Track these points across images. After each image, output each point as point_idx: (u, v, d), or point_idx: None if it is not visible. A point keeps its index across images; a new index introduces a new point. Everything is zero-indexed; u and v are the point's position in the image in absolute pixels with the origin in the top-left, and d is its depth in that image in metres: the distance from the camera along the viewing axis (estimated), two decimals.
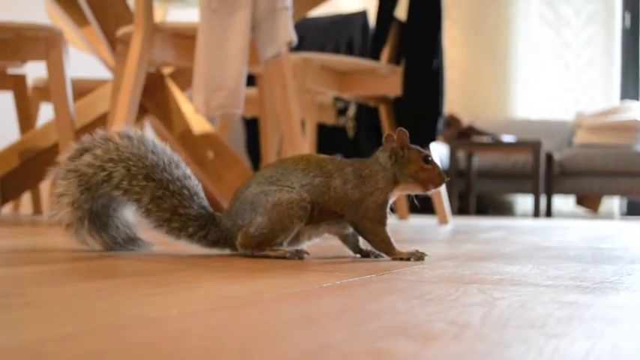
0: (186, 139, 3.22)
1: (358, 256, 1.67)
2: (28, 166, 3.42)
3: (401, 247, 1.64)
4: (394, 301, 0.97)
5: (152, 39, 2.81)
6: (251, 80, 3.64)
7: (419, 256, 1.60)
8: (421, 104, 3.88)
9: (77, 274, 1.23)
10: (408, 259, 1.59)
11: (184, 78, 3.37)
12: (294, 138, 2.84)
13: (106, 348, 0.63)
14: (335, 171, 1.59)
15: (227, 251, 1.63)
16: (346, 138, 4.79)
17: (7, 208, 4.07)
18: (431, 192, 1.64)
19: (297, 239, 1.60)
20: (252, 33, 2.75)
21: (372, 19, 4.80)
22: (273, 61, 2.83)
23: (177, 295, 0.99)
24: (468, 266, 1.50)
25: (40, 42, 3.13)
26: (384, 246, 1.61)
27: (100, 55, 3.62)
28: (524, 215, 7.21)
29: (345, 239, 1.67)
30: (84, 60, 4.41)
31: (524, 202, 7.63)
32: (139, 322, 0.77)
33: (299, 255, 1.56)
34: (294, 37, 2.78)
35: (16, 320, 0.78)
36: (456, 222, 4.43)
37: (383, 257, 1.64)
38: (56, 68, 3.11)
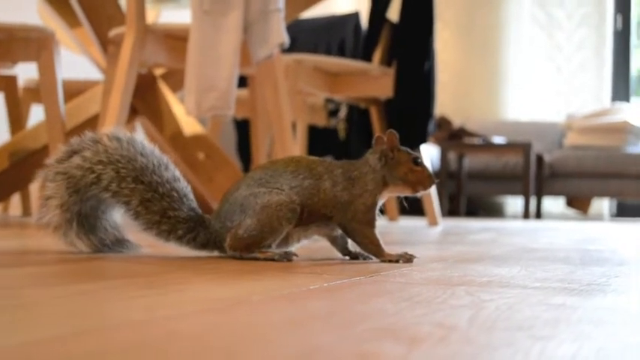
0: (177, 141, 3.22)
1: (347, 258, 1.68)
2: (17, 168, 3.41)
3: (390, 249, 1.64)
4: (382, 304, 0.97)
5: (144, 40, 2.81)
6: (242, 81, 3.64)
7: (408, 258, 1.60)
8: (412, 106, 3.88)
9: (66, 276, 1.23)
10: (397, 261, 1.60)
11: (176, 79, 3.37)
12: (285, 139, 2.84)
13: (94, 350, 0.64)
14: (324, 173, 1.59)
15: (216, 253, 1.63)
16: (337, 139, 4.79)
17: None
18: (420, 194, 1.64)
19: (286, 241, 1.60)
20: (244, 34, 2.75)
21: (364, 20, 4.80)
22: (265, 62, 2.83)
23: (166, 297, 1.00)
24: (456, 268, 1.50)
25: (31, 43, 3.12)
26: (372, 248, 1.61)
27: (92, 57, 3.61)
28: (515, 217, 7.22)
29: (333, 241, 1.68)
30: (75, 61, 4.41)
31: (514, 203, 7.64)
32: (127, 324, 0.77)
33: (288, 257, 1.56)
34: (286, 39, 2.78)
35: (4, 322, 0.78)
36: (446, 223, 4.43)
37: (372, 259, 1.64)
38: (47, 69, 3.10)
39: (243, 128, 4.74)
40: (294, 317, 0.84)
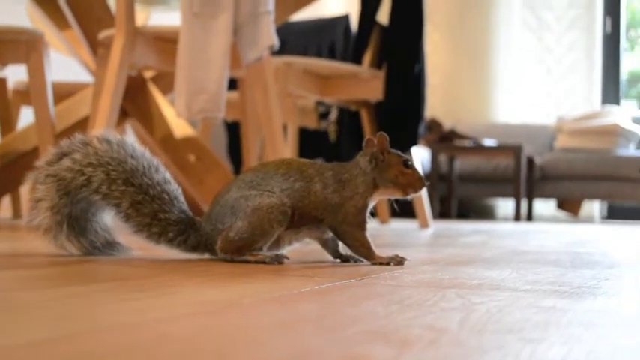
0: (168, 143, 3.21)
1: (338, 260, 1.68)
2: (7, 170, 3.40)
3: (381, 251, 1.64)
4: (373, 306, 0.97)
5: (133, 42, 2.80)
6: (233, 84, 3.64)
7: (399, 261, 1.61)
8: (403, 108, 3.89)
9: (56, 279, 1.23)
10: (388, 264, 1.60)
11: (166, 81, 3.37)
12: (275, 142, 2.84)
13: (85, 352, 0.63)
14: (315, 175, 1.59)
15: (207, 256, 1.63)
16: (328, 142, 4.79)
17: None
18: (411, 197, 1.64)
19: (277, 244, 1.60)
20: (233, 37, 2.75)
21: (354, 23, 4.81)
22: (255, 64, 2.83)
23: (157, 299, 0.99)
24: (447, 271, 1.50)
25: (20, 45, 3.11)
26: (363, 250, 1.61)
27: (82, 59, 3.61)
28: (506, 219, 7.23)
29: (324, 244, 1.68)
30: (65, 63, 4.40)
31: (505, 206, 7.65)
32: (118, 326, 0.77)
33: (279, 260, 1.56)
34: (275, 41, 2.78)
35: None
36: (437, 226, 4.44)
37: (363, 262, 1.64)
38: (37, 71, 3.09)
39: (233, 131, 4.74)
40: (285, 320, 0.84)
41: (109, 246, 1.68)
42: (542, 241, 2.88)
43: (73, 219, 1.60)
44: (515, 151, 6.56)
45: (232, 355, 0.65)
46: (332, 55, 4.96)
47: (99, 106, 2.76)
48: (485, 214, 7.68)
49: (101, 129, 2.65)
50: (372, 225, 1.61)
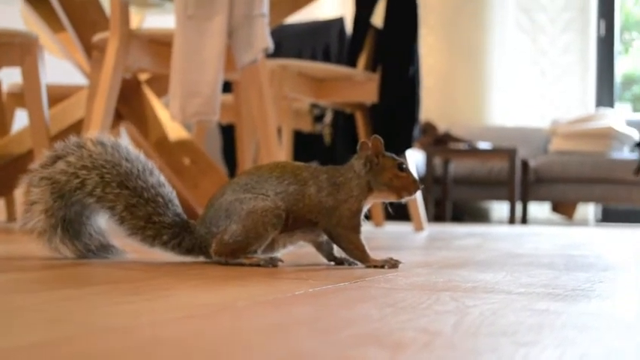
0: (163, 146, 3.21)
1: (332, 263, 1.68)
2: (2, 173, 3.40)
3: (375, 254, 1.64)
4: (367, 309, 0.97)
5: (128, 45, 2.80)
6: (227, 87, 3.64)
7: (393, 264, 1.61)
8: (397, 111, 3.89)
9: (50, 282, 1.23)
10: (382, 267, 1.60)
11: (160, 84, 3.37)
12: (270, 145, 2.84)
13: (79, 355, 0.63)
14: (309, 178, 1.59)
15: (201, 259, 1.63)
16: (323, 145, 4.79)
17: None
18: (405, 200, 1.64)
19: (271, 247, 1.60)
20: (228, 39, 2.75)
21: (348, 26, 4.81)
22: (250, 67, 2.83)
23: (150, 303, 0.99)
24: (441, 274, 1.50)
25: (15, 48, 3.11)
26: (358, 253, 1.61)
27: (76, 61, 3.60)
28: (500, 222, 7.24)
29: (319, 247, 1.68)
30: (59, 66, 4.39)
31: (500, 208, 7.66)
32: (112, 329, 0.77)
33: (273, 263, 1.56)
34: (270, 44, 2.78)
35: None
36: (432, 229, 4.44)
37: (357, 265, 1.64)
38: (31, 74, 3.09)
39: (228, 133, 4.74)
40: (279, 323, 0.84)
41: (104, 249, 1.68)
42: (537, 244, 2.89)
43: (67, 222, 1.60)
44: (509, 153, 6.57)
45: (226, 358, 0.65)
46: (327, 57, 4.96)
47: (93, 109, 2.76)
48: (480, 216, 7.68)
49: (95, 132, 2.65)
50: (366, 228, 1.61)
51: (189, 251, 1.61)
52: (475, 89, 7.96)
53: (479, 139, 7.29)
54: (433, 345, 0.73)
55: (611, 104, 7.75)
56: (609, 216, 7.56)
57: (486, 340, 0.77)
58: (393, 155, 1.63)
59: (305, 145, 4.76)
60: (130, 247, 1.69)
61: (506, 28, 7.91)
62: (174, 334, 0.76)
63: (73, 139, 1.61)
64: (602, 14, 7.82)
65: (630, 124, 7.17)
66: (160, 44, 2.93)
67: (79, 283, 1.24)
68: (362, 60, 4.05)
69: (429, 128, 7.08)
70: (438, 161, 6.96)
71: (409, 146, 3.93)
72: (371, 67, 3.98)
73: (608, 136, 6.92)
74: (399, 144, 3.88)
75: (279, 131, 4.07)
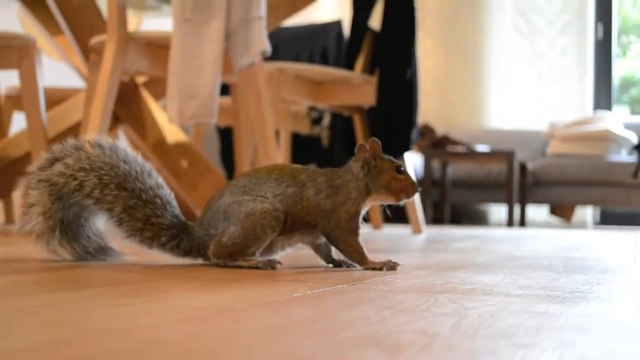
0: (160, 149, 3.21)
1: (331, 265, 1.67)
2: (0, 176, 3.39)
3: (374, 256, 1.64)
4: (365, 311, 0.97)
5: (125, 48, 2.80)
6: (225, 89, 3.64)
7: (391, 266, 1.60)
8: (395, 114, 3.88)
9: (48, 284, 1.23)
10: (380, 269, 1.60)
11: (158, 87, 3.36)
12: (268, 147, 2.84)
13: (76, 358, 0.63)
14: (308, 181, 1.59)
15: (199, 261, 1.63)
16: (321, 147, 4.79)
17: None
18: (403, 202, 1.64)
19: (270, 249, 1.60)
20: (226, 42, 2.75)
21: (346, 29, 4.81)
22: (247, 70, 2.83)
23: (149, 305, 0.99)
24: (440, 276, 1.50)
25: (12, 51, 3.11)
26: (356, 256, 1.61)
27: (74, 64, 3.60)
28: (498, 225, 7.23)
29: (317, 249, 1.68)
30: (57, 69, 4.39)
31: (498, 211, 7.65)
32: (110, 331, 0.77)
33: (271, 265, 1.56)
34: (268, 47, 2.78)
35: None
36: (430, 231, 4.44)
37: (355, 267, 1.64)
38: (29, 77, 3.09)
39: (226, 136, 4.74)
40: (278, 325, 0.84)
41: (102, 251, 1.67)
42: (535, 247, 2.89)
43: (65, 224, 1.60)
44: (507, 156, 6.57)
45: None
46: (324, 60, 4.96)
47: (91, 112, 2.76)
48: (478, 219, 7.68)
49: (93, 134, 2.65)
50: (365, 230, 1.62)
51: (187, 253, 1.61)
52: (473, 92, 7.96)
53: (477, 141, 7.29)
54: (431, 347, 0.73)
55: (608, 107, 7.75)
56: (607, 219, 7.56)
57: (485, 342, 0.77)
58: (391, 158, 1.63)
59: (303, 148, 4.77)
60: (128, 249, 1.68)
61: (504, 31, 7.91)
62: (173, 336, 0.76)
63: (70, 141, 1.61)
64: (599, 17, 7.82)
65: (628, 126, 7.17)
66: (157, 47, 2.92)
67: (77, 286, 1.24)
68: (359, 63, 4.05)
69: (427, 131, 7.08)
70: (436, 164, 6.96)
71: (407, 149, 3.93)
72: (369, 69, 3.98)
73: (606, 138, 6.92)
74: (397, 147, 3.88)
75: (277, 134, 4.07)
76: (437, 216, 6.98)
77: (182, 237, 1.60)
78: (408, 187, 1.61)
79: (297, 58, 4.87)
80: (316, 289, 1.21)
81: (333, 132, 4.68)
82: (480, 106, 7.95)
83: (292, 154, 4.46)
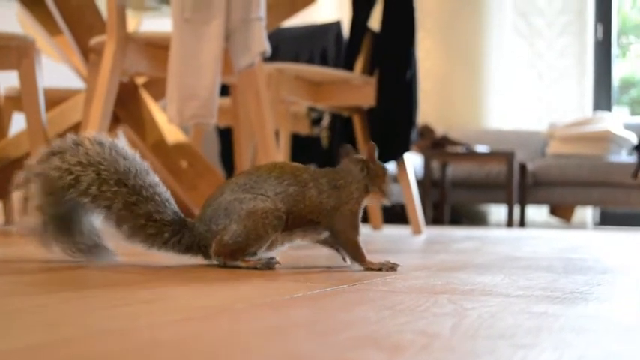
0: (160, 149, 3.21)
1: (336, 252, 1.70)
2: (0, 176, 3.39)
3: (374, 257, 1.64)
4: (365, 312, 0.97)
5: (125, 49, 2.80)
6: (225, 90, 3.64)
7: (390, 267, 1.61)
8: (395, 115, 3.89)
9: (48, 285, 1.23)
10: (380, 270, 1.60)
11: (158, 88, 3.37)
12: (268, 148, 2.84)
13: (75, 359, 0.63)
14: (310, 180, 1.61)
15: (199, 258, 1.62)
16: (320, 148, 4.79)
17: None
18: (385, 203, 1.71)
19: (271, 245, 1.61)
20: (225, 43, 2.75)
21: (345, 29, 4.81)
22: (247, 71, 2.83)
23: (148, 305, 0.99)
24: (439, 276, 1.50)
25: (12, 51, 3.11)
26: (356, 254, 1.63)
27: (73, 65, 3.60)
28: (498, 225, 7.24)
29: (323, 242, 1.70)
30: (57, 69, 4.39)
31: (497, 212, 7.66)
32: (109, 332, 0.77)
33: (270, 266, 1.56)
34: (267, 47, 2.78)
35: None
36: (430, 232, 4.44)
37: (353, 267, 1.65)
38: (28, 78, 3.09)
39: (226, 137, 4.74)
40: (278, 325, 0.84)
41: (96, 249, 1.65)
42: (535, 247, 2.89)
43: (59, 219, 1.58)
44: (507, 157, 6.57)
45: None
46: (324, 61, 4.96)
47: (91, 112, 2.76)
48: (478, 220, 7.68)
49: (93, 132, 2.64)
50: (364, 231, 1.62)
51: (188, 249, 1.60)
52: (472, 93, 7.96)
53: (476, 142, 7.30)
54: (431, 347, 0.73)
55: (608, 108, 7.75)
56: (607, 219, 7.57)
57: (484, 343, 0.77)
58: (380, 162, 1.70)
59: (302, 149, 4.77)
60: (126, 250, 1.68)
61: (504, 32, 7.91)
62: (173, 336, 0.76)
63: (70, 137, 1.59)
64: (599, 18, 7.83)
65: (628, 127, 7.18)
66: (157, 47, 2.92)
67: (76, 286, 1.23)
68: (359, 63, 4.05)
69: (427, 132, 7.08)
70: (435, 165, 6.96)
71: (407, 150, 3.93)
72: (368, 70, 3.98)
73: (606, 139, 6.92)
74: (397, 147, 3.89)
75: (277, 134, 4.07)
76: (437, 217, 6.99)
77: (184, 232, 1.60)
78: (390, 191, 1.68)
79: (296, 59, 4.87)
80: (316, 289, 1.21)
81: (332, 132, 4.68)
82: (480, 107, 7.95)
83: (292, 154, 4.46)
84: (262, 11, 2.78)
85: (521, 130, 7.66)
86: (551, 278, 1.52)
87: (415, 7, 3.88)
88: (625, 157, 6.99)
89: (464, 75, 7.98)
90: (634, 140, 6.97)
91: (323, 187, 1.61)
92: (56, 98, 3.74)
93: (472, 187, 7.06)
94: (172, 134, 3.26)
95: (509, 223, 6.57)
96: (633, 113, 8.13)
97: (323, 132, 4.77)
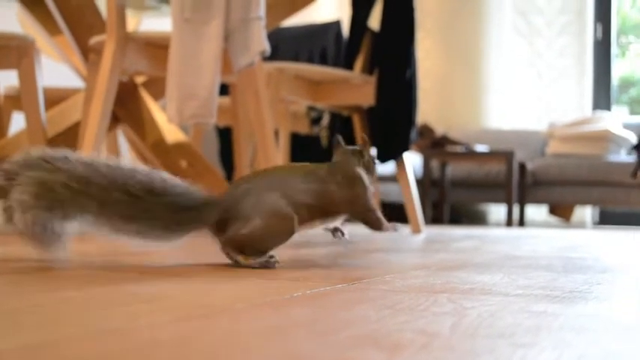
0: (160, 149, 3.21)
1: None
2: None
3: (374, 256, 1.65)
4: (365, 311, 0.97)
5: (124, 48, 2.80)
6: (224, 89, 3.64)
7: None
8: (394, 114, 3.89)
9: (47, 284, 1.23)
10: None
11: (157, 87, 3.37)
12: (267, 147, 2.84)
13: (75, 358, 0.63)
14: (327, 176, 1.67)
15: (199, 254, 1.62)
16: (320, 147, 4.79)
17: None
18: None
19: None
20: (225, 42, 2.75)
21: (345, 29, 4.81)
22: (247, 70, 2.83)
23: (148, 305, 0.99)
24: (439, 276, 1.51)
25: (11, 51, 3.11)
26: (378, 225, 1.74)
27: (73, 64, 3.60)
28: (498, 224, 7.23)
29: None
30: (56, 69, 4.39)
31: (497, 211, 7.66)
32: (108, 331, 0.77)
33: (269, 266, 1.56)
34: (267, 47, 2.78)
35: None
36: (430, 231, 4.44)
37: (346, 238, 1.77)
38: (28, 77, 3.09)
39: (225, 136, 4.74)
40: (278, 325, 0.84)
41: (54, 237, 1.53)
42: (534, 247, 2.89)
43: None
44: (507, 156, 6.57)
45: None
46: (323, 60, 4.96)
47: (90, 112, 2.76)
48: (478, 219, 7.68)
49: (93, 134, 2.65)
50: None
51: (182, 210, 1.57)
52: (472, 92, 7.96)
53: (476, 141, 7.30)
54: (431, 346, 0.73)
55: (608, 107, 7.75)
56: (607, 219, 7.57)
57: (484, 342, 0.77)
58: (371, 155, 1.81)
59: (302, 148, 4.77)
60: (125, 250, 1.68)
61: (503, 31, 7.91)
62: (173, 336, 0.76)
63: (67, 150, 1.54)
64: (598, 17, 7.83)
65: (627, 126, 7.17)
66: (156, 47, 2.93)
67: (75, 286, 1.23)
68: (359, 63, 4.05)
69: (426, 131, 7.08)
70: (435, 164, 6.96)
71: (406, 149, 3.93)
72: (368, 70, 3.98)
73: (606, 138, 6.92)
74: (396, 147, 3.89)
75: (277, 134, 4.07)
76: (436, 216, 6.99)
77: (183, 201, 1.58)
78: (377, 183, 1.81)
79: (296, 58, 4.87)
80: (316, 288, 1.21)
81: (332, 132, 4.68)
82: (479, 106, 7.95)
83: (291, 154, 4.46)
84: (262, 11, 2.78)
85: (521, 130, 7.66)
86: (550, 277, 1.52)
87: (415, 6, 3.88)
88: (624, 157, 6.99)
89: (463, 74, 7.98)
90: (633, 140, 6.97)
91: (340, 181, 1.68)
92: (56, 98, 3.74)
93: (472, 186, 7.06)
94: (172, 134, 3.26)
95: (509, 223, 6.57)
96: (633, 113, 8.13)
97: (322, 131, 4.77)
